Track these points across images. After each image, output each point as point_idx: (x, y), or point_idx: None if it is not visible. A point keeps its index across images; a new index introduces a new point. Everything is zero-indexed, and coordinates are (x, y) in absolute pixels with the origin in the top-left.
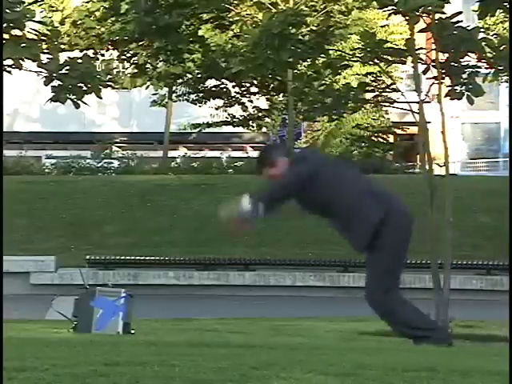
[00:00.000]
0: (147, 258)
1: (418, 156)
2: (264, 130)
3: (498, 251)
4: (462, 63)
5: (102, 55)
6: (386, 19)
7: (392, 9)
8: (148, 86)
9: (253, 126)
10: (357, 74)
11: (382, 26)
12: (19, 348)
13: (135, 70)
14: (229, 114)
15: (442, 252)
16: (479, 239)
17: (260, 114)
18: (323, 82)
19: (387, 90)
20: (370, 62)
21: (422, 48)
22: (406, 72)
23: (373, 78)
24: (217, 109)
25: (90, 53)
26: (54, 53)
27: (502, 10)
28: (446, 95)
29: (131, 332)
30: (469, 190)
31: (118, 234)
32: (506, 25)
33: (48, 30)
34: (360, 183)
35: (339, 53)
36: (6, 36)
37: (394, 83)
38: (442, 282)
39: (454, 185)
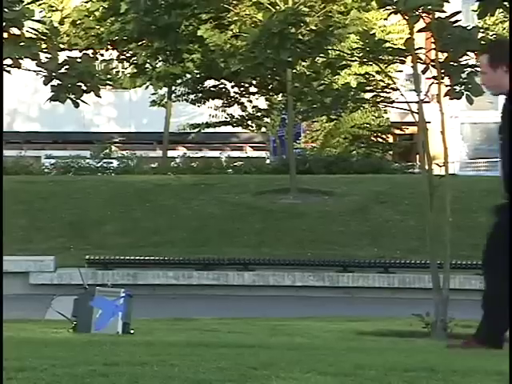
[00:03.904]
0: (146, 257)
1: (418, 156)
2: (263, 129)
3: None
4: (462, 62)
5: (102, 55)
6: (385, 19)
7: (392, 8)
8: (147, 86)
9: (252, 126)
10: (355, 73)
11: (379, 26)
12: (18, 348)
13: (134, 70)
14: (228, 114)
15: (441, 252)
16: (479, 239)
17: (259, 114)
18: (322, 81)
19: (386, 90)
20: (369, 62)
21: (421, 48)
22: (403, 72)
23: (371, 78)
24: (216, 109)
25: (90, 53)
26: (53, 52)
27: (501, 10)
28: (446, 95)
29: (130, 332)
30: (469, 190)
31: (118, 234)
32: (506, 25)
33: (47, 29)
34: None
35: (338, 52)
36: (5, 35)
37: (394, 83)
38: (441, 281)
39: (453, 185)
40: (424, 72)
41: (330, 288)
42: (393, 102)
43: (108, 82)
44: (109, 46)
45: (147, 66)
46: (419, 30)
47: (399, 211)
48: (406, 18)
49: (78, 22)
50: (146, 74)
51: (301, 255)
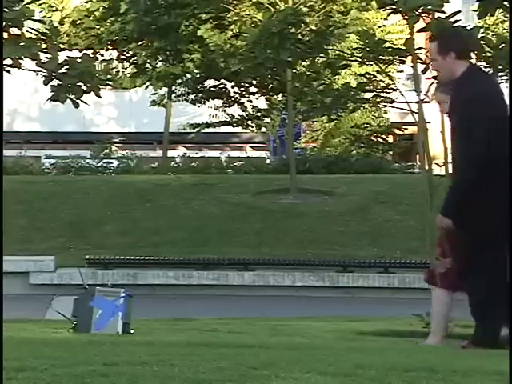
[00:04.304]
0: (146, 257)
1: (418, 156)
2: (263, 129)
3: None
4: None
5: (102, 55)
6: (385, 19)
7: (392, 8)
8: (147, 86)
9: (252, 126)
10: (355, 73)
11: (379, 26)
12: (18, 348)
13: (134, 70)
14: (228, 114)
15: None
16: None
17: (259, 114)
18: (322, 81)
19: (386, 90)
20: (370, 62)
21: (421, 48)
22: (404, 72)
23: (371, 78)
24: (216, 109)
25: (90, 53)
26: (53, 52)
27: (501, 10)
28: None
29: (130, 332)
30: None
31: (118, 234)
32: (506, 25)
33: (47, 29)
34: None
35: (338, 52)
36: (5, 35)
37: (394, 83)
38: None
39: None
40: (424, 72)
41: (330, 288)
42: (393, 101)
43: (108, 82)
44: (109, 46)
45: (147, 66)
46: (419, 30)
47: (399, 211)
48: (406, 17)
49: (78, 22)
50: (146, 74)
51: (301, 255)
